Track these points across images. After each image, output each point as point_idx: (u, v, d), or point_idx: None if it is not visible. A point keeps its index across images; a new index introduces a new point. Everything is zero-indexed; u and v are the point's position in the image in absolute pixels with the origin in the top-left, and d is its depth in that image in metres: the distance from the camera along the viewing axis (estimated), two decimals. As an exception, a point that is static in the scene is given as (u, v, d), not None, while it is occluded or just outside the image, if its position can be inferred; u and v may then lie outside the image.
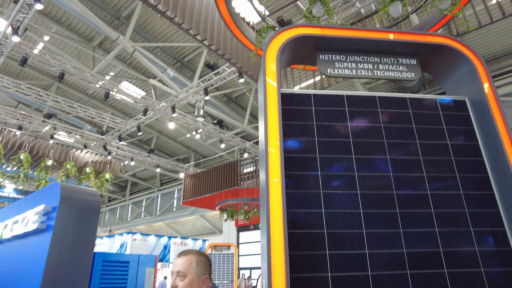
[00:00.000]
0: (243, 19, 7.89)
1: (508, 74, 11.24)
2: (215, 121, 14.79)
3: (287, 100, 3.11)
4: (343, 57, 3.41)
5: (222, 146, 15.84)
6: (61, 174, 12.98)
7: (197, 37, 6.67)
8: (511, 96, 10.87)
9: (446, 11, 5.17)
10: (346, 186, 2.87)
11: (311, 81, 9.44)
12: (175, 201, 23.16)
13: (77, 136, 15.38)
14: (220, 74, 10.93)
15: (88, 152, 15.12)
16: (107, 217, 28.41)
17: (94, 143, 15.74)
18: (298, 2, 9.17)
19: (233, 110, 16.52)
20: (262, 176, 2.80)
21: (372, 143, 3.04)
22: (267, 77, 3.00)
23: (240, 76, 9.71)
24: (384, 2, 5.53)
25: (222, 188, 13.44)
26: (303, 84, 9.73)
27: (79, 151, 15.04)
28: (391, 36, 3.32)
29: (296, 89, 3.24)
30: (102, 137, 14.79)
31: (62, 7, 11.57)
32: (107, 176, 13.87)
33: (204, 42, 6.79)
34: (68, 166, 12.71)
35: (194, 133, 14.86)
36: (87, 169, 13.51)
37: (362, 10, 8.40)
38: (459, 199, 2.97)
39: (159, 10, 6.16)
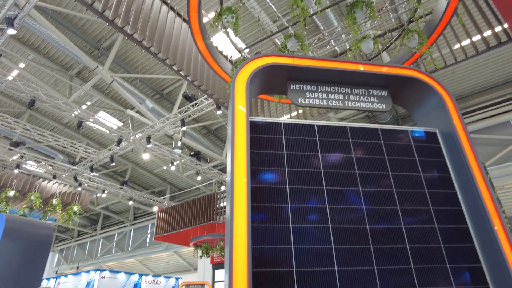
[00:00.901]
0: (221, 52, 7.96)
1: (474, 113, 11.75)
2: (192, 153, 14.51)
3: (256, 128, 2.98)
4: (314, 87, 3.36)
5: (199, 178, 15.44)
6: (24, 206, 12.10)
7: (174, 67, 6.61)
8: (478, 133, 11.30)
9: (414, 49, 5.36)
10: (317, 220, 2.68)
11: (288, 116, 9.50)
12: (148, 236, 22.09)
13: (48, 166, 14.64)
14: (197, 106, 10.86)
15: (56, 183, 14.34)
16: (75, 252, 26.64)
17: (66, 173, 15.01)
18: (276, 39, 9.40)
19: (212, 142, 16.34)
20: (227, 208, 2.58)
21: (343, 174, 2.91)
22: (235, 105, 2.88)
23: (218, 108, 9.66)
24: (357, 40, 5.68)
25: (197, 223, 12.90)
26: (281, 118, 9.75)
27: (46, 181, 14.25)
28: (361, 68, 3.31)
29: (266, 118, 3.12)
30: (73, 167, 14.14)
31: (41, 36, 11.42)
32: (75, 208, 13.05)
33: (180, 72, 6.73)
34: (32, 198, 11.91)
35: (170, 165, 14.47)
36: (54, 201, 12.71)
37: (337, 48, 8.68)
38: (434, 233, 2.83)
39: (138, 41, 6.11)
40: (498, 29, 6.73)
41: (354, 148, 3.05)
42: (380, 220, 2.78)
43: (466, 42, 7.78)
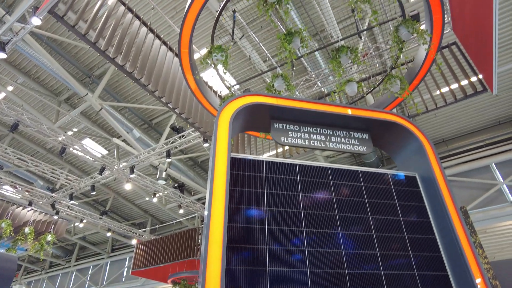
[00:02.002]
0: (211, 87, 8.09)
1: (455, 156, 12.06)
2: (176, 185, 14.24)
3: (237, 165, 2.96)
4: (296, 127, 3.40)
5: (181, 211, 15.05)
6: (-8, 234, 11.40)
7: (162, 99, 6.65)
8: (460, 177, 11.51)
9: (396, 94, 5.55)
10: (295, 263, 2.60)
11: (274, 152, 9.56)
12: (126, 270, 21.04)
13: (24, 192, 14.10)
14: (184, 138, 10.83)
15: (31, 210, 13.74)
16: (44, 285, 25.03)
17: (43, 200, 14.46)
18: (266, 78, 9.66)
19: (198, 174, 16.15)
20: (202, 247, 2.49)
21: (323, 216, 2.87)
22: (217, 141, 2.88)
23: (205, 140, 9.66)
24: (341, 83, 5.88)
25: (177, 259, 12.38)
26: (266, 155, 9.79)
27: (20, 208, 13.66)
28: (343, 111, 3.39)
29: (248, 155, 3.11)
30: (52, 194, 13.65)
31: (33, 61, 11.46)
32: (49, 238, 12.39)
33: (168, 105, 6.77)
34: (2, 225, 11.27)
35: (152, 196, 14.12)
36: (26, 229, 12.06)
37: (324, 89, 8.95)
38: (413, 280, 2.77)
39: (128, 72, 6.18)
40: (473, 79, 7.09)
41: (334, 189, 3.04)
42: (359, 265, 2.72)
43: (445, 89, 8.16)
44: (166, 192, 14.41)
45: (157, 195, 14.59)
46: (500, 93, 10.02)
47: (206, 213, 2.56)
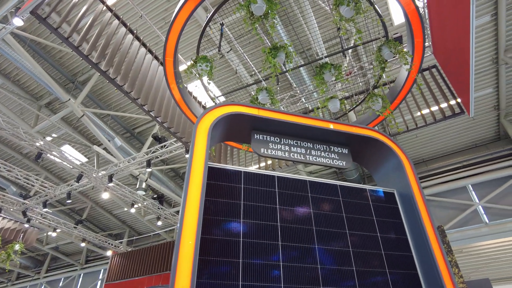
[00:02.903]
0: (195, 98, 8.03)
1: (434, 176, 12.29)
2: (156, 196, 13.93)
3: (214, 175, 2.88)
4: (277, 139, 3.37)
5: (159, 223, 14.69)
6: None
7: (145, 107, 6.54)
8: (438, 196, 11.71)
9: (378, 112, 5.63)
10: (270, 278, 2.51)
11: (257, 166, 9.51)
12: (99, 282, 20.20)
13: (-5, 199, 13.46)
14: (166, 147, 10.65)
15: (-1, 217, 13.12)
16: (11, 299, 23.67)
17: (14, 207, 13.83)
18: (252, 92, 9.69)
19: (178, 185, 15.86)
20: (173, 258, 2.38)
21: (300, 230, 2.80)
22: (195, 149, 2.81)
23: (187, 151, 9.53)
24: (324, 99, 5.93)
25: (153, 272, 11.98)
26: (250, 168, 9.72)
27: (-12, 215, 13.01)
28: (323, 125, 3.38)
29: (227, 165, 3.04)
30: (25, 201, 13.08)
31: (14, 63, 11.16)
32: (17, 247, 11.77)
33: (151, 113, 6.66)
34: (-34, 232, 10.63)
35: (131, 206, 13.74)
36: (-8, 238, 11.43)
37: (308, 105, 9.03)
38: (389, 299, 2.71)
39: (111, 78, 6.06)
40: (452, 102, 7.30)
41: (313, 203, 3.00)
42: (335, 281, 2.64)
43: (426, 111, 8.36)
44: (145, 203, 14.06)
45: (136, 205, 14.23)
46: (477, 117, 10.35)
47: (178, 224, 2.45)
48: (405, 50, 5.15)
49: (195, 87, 8.35)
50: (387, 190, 3.36)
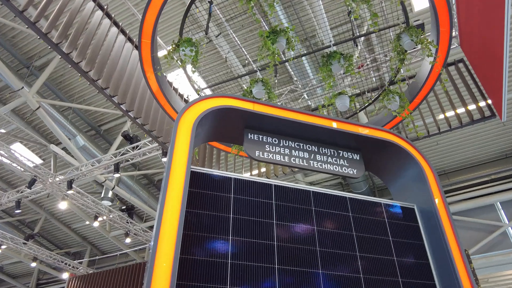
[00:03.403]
0: (176, 90, 7.96)
1: (457, 192, 12.39)
2: (124, 207, 13.78)
3: (198, 181, 2.82)
4: (275, 140, 3.34)
5: (128, 241, 14.54)
6: None
7: (114, 99, 6.45)
8: (461, 215, 11.79)
9: (394, 112, 5.63)
10: (263, 309, 2.45)
11: (248, 174, 9.48)
12: (53, 312, 19.83)
13: None
14: (139, 149, 10.55)
15: None
16: None
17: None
18: (244, 85, 9.67)
19: (152, 196, 15.72)
20: (144, 283, 2.30)
21: (301, 251, 2.75)
22: (175, 149, 2.76)
23: (164, 154, 9.43)
24: (331, 95, 5.92)
25: (119, 299, 11.80)
26: (246, 175, 9.64)
27: None
28: (332, 124, 3.36)
29: (214, 170, 2.98)
30: (-37, 211, 12.80)
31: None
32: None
33: (121, 106, 6.56)
34: None
35: (93, 220, 13.57)
36: None
37: (311, 103, 9.03)
38: (406, 337, 2.67)
39: (73, 62, 5.96)
40: (482, 103, 7.36)
41: (317, 218, 2.96)
42: (342, 314, 2.60)
43: (450, 113, 8.42)
44: (111, 216, 13.88)
45: (100, 218, 14.04)
46: (509, 122, 10.48)
47: (152, 241, 2.39)
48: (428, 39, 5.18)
49: (176, 77, 8.28)
50: (406, 205, 3.35)
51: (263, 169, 9.04)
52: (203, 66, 9.65)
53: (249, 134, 3.28)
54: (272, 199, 2.95)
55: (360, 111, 6.92)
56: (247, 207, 2.85)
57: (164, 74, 7.31)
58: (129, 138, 10.47)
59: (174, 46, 5.14)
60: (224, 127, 3.30)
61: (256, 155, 3.18)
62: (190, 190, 2.74)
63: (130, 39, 7.26)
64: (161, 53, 7.69)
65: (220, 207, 2.78)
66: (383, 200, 3.30)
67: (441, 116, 8.98)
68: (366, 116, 8.06)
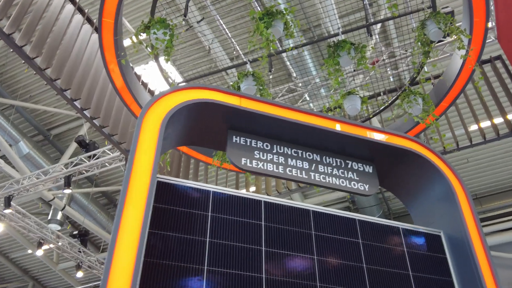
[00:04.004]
0: (145, 85, 7.90)
1: (491, 220, 12.41)
2: (76, 232, 13.63)
3: (167, 195, 2.76)
4: (267, 146, 3.31)
5: (80, 275, 14.37)
6: None
7: (66, 93, 6.35)
8: (496, 250, 11.78)
9: (416, 118, 5.62)
10: None
11: (243, 190, 9.38)
12: None
13: None
14: (97, 159, 10.46)
15: None
16: None
17: None
18: (229, 81, 9.65)
19: (113, 219, 15.58)
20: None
21: (297, 287, 2.68)
22: (136, 154, 2.69)
23: (128, 165, 9.35)
24: (339, 95, 5.91)
25: None
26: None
27: None
28: (338, 126, 3.34)
29: (188, 181, 2.91)
30: None
31: None
32: None
33: (75, 103, 6.48)
34: None
35: (37, 247, 13.41)
36: None
37: (312, 105, 9.04)
38: None
39: (16, 46, 5.89)
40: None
41: (317, 245, 2.91)
42: None
43: (486, 123, 8.42)
44: (59, 243, 13.72)
45: (46, 246, 13.88)
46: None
47: (103, 271, 2.31)
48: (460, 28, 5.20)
49: (145, 69, 8.22)
50: (431, 231, 3.32)
51: (252, 188, 8.97)
52: (180, 57, 9.61)
53: (234, 136, 3.24)
54: (260, 220, 2.89)
55: (374, 116, 6.92)
56: (228, 229, 2.78)
57: (131, 65, 7.25)
58: (84, 145, 10.38)
59: (143, 27, 5.09)
60: (202, 127, 3.26)
61: (242, 164, 3.13)
62: (156, 205, 2.67)
63: (89, 20, 7.22)
64: (126, 43, 7.65)
65: (193, 228, 2.71)
66: (402, 225, 3.26)
67: (474, 127, 9.03)
68: (381, 124, 8.07)
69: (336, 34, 5.98)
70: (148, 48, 5.26)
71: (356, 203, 12.71)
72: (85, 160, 10.77)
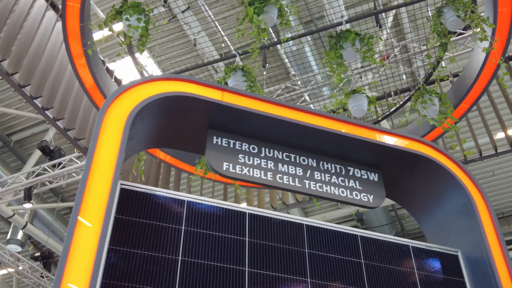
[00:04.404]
0: (119, 82, 7.86)
1: (521, 243, 12.39)
2: (39, 254, 13.55)
3: (132, 205, 2.71)
4: (254, 148, 3.28)
5: (45, 304, 14.30)
6: None
7: (25, 89, 6.32)
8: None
9: (432, 121, 5.58)
10: None
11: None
12: None
13: None
14: (62, 168, 10.40)
15: None
16: None
17: None
18: (216, 75, 9.63)
19: (83, 239, 15.57)
20: None
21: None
22: (95, 156, 2.64)
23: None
24: (342, 93, 5.88)
25: None
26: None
27: None
28: (341, 127, 3.32)
29: (158, 189, 2.87)
30: None
31: None
32: None
33: (35, 101, 6.44)
34: None
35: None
36: None
37: (313, 106, 9.02)
38: None
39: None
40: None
41: (312, 266, 2.86)
42: None
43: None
44: (20, 268, 13.63)
45: (3, 271, 13.81)
46: None
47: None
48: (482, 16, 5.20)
49: (115, 60, 8.17)
50: (446, 250, 3.28)
51: (243, 204, 8.90)
52: (162, 51, 9.58)
53: (215, 137, 3.21)
54: (244, 235, 2.85)
55: (383, 118, 6.89)
56: (205, 246, 2.74)
57: (102, 58, 7.22)
58: (48, 152, 10.32)
59: (114, 13, 5.05)
60: (176, 126, 3.22)
61: (224, 169, 3.09)
62: (118, 217, 2.63)
63: (53, 6, 7.20)
64: (96, 36, 7.61)
65: (163, 244, 2.66)
66: (412, 243, 3.22)
67: (501, 135, 9.00)
68: (392, 126, 8.05)
69: (340, 23, 5.97)
70: (119, 36, 5.24)
71: (365, 222, 12.68)
72: (49, 170, 10.70)
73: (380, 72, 7.83)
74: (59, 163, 10.46)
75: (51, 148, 10.37)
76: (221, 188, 9.35)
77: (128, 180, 5.10)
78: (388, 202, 11.10)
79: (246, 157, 3.21)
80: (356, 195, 3.29)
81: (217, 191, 9.87)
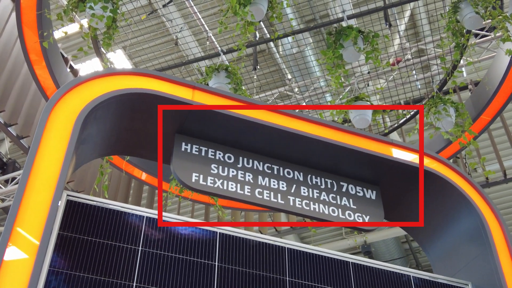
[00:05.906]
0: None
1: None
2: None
3: (80, 220, 2.69)
4: (229, 157, 3.26)
5: None
6: None
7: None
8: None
9: (446, 134, 5.57)
10: None
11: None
12: None
13: None
14: (15, 184, 10.35)
15: None
16: None
17: None
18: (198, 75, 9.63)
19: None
20: None
21: None
22: (35, 162, 2.61)
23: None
24: (342, 99, 5.89)
25: None
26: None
27: None
28: (334, 135, 3.28)
29: (112, 202, 2.83)
30: None
31: None
32: None
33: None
34: None
35: None
36: None
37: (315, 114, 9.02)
38: None
39: None
40: None
41: None
42: None
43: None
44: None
45: None
46: None
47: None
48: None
49: (86, 62, 8.20)
50: (454, 282, 3.25)
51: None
52: (138, 47, 9.58)
53: (183, 143, 3.19)
54: (214, 259, 2.82)
55: (391, 131, 6.89)
56: (166, 271, 2.71)
57: (66, 55, 7.23)
58: (2, 166, 10.26)
59: (76, 0, 5.05)
60: (138, 129, 3.19)
61: (193, 181, 3.06)
62: (63, 234, 2.60)
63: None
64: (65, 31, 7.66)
65: (116, 268, 2.63)
66: (414, 273, 3.19)
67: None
68: (403, 137, 8.08)
69: (340, 19, 5.98)
70: (82, 28, 5.24)
71: (373, 255, 12.62)
72: (1, 186, 10.63)
73: (388, 78, 7.84)
74: (13, 178, 10.37)
75: (4, 160, 10.29)
76: (202, 207, 9.33)
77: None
78: (401, 232, 11.02)
79: (220, 167, 3.19)
80: (350, 216, 3.27)
81: (197, 210, 9.85)
